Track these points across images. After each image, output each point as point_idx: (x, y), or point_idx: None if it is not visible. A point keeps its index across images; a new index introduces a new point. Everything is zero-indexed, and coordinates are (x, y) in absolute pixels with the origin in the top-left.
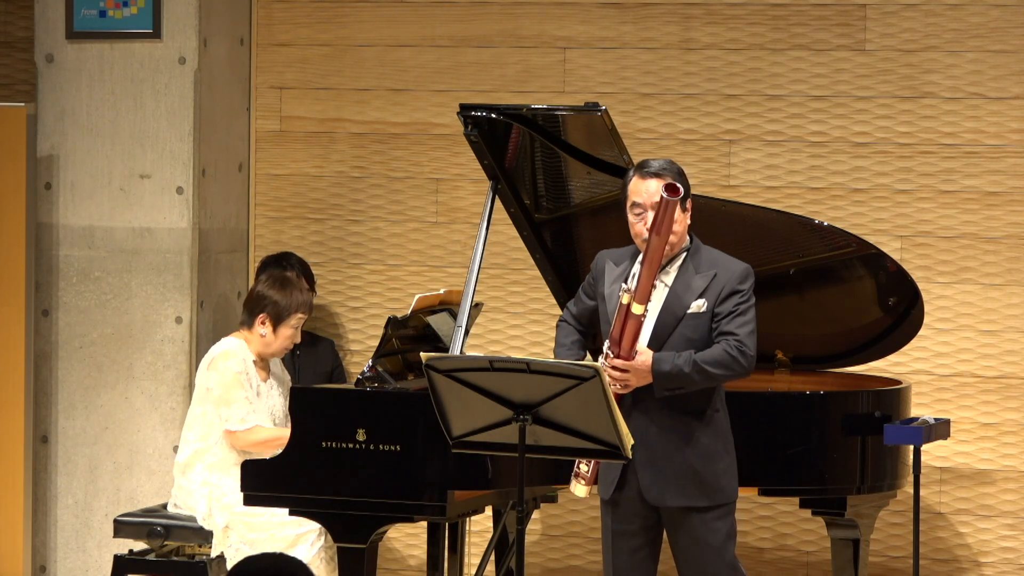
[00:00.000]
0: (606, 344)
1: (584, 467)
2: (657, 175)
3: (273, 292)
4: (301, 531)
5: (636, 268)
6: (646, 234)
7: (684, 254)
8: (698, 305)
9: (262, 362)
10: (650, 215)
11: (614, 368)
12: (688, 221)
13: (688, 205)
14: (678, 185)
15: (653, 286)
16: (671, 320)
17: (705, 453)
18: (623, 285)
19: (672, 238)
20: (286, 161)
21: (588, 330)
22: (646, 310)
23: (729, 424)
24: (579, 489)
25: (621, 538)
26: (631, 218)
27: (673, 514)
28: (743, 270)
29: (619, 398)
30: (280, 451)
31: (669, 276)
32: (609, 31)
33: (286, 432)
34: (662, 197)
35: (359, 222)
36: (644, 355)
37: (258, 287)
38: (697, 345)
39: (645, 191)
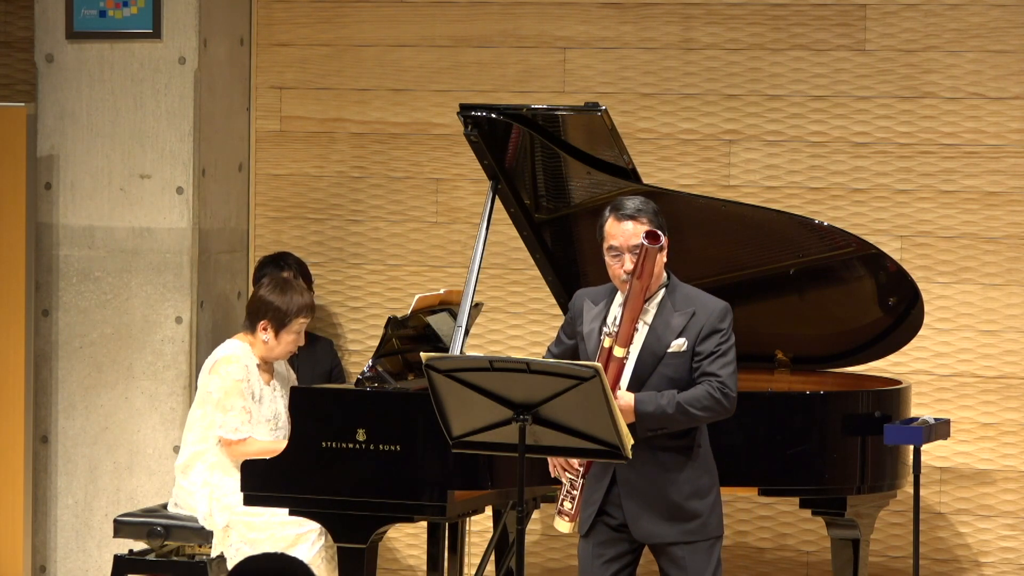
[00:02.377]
0: None
1: (568, 504)
2: (633, 217)
3: (274, 297)
4: (301, 531)
5: (616, 311)
6: (624, 275)
7: (662, 291)
8: (678, 344)
9: (266, 364)
10: (627, 257)
11: None
12: (665, 259)
13: (664, 243)
14: (658, 232)
15: (635, 329)
16: (651, 359)
17: (691, 489)
18: (605, 328)
19: (648, 284)
20: (286, 161)
21: None
22: (627, 352)
23: (713, 458)
24: (563, 525)
25: (600, 559)
26: (608, 260)
27: (662, 549)
28: (722, 308)
29: None
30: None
31: (648, 315)
32: (609, 31)
33: (279, 445)
34: (643, 245)
35: (359, 222)
36: (626, 396)
37: (259, 292)
38: (678, 384)
39: (621, 233)
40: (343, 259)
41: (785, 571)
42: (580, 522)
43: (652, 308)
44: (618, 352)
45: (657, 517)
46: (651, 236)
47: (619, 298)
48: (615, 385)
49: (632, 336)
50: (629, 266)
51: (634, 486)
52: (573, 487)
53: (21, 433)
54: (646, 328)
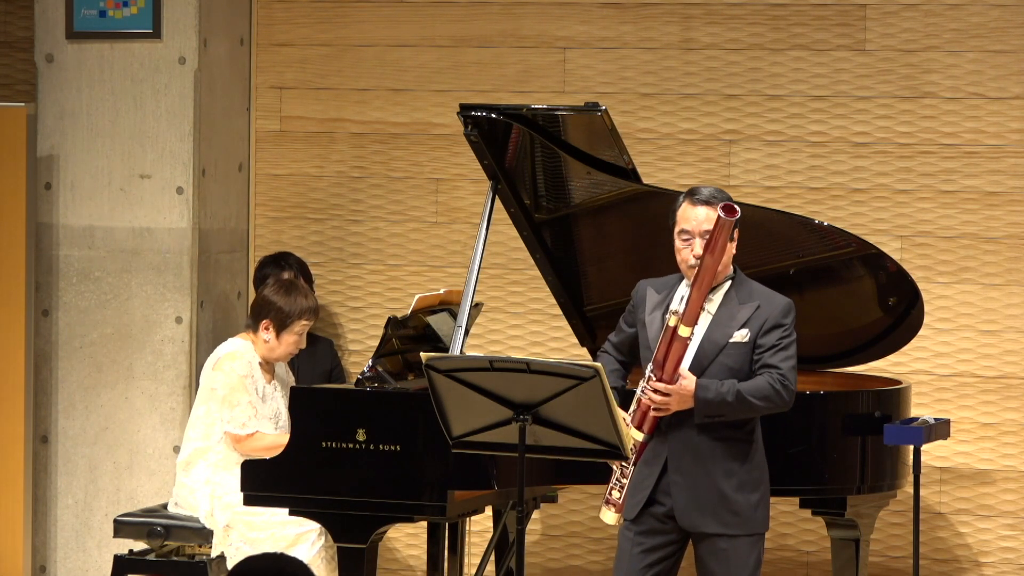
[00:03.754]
0: (648, 367)
1: (616, 493)
2: (707, 203)
3: (278, 298)
4: (302, 531)
5: (684, 291)
6: (692, 260)
7: (728, 283)
8: (741, 335)
9: (267, 364)
10: (697, 242)
11: (656, 391)
12: (734, 251)
13: (735, 235)
14: (735, 207)
15: (701, 308)
16: (713, 348)
17: (741, 482)
18: (672, 307)
19: (719, 265)
20: (286, 161)
21: (629, 359)
22: (692, 333)
23: (764, 455)
24: (609, 516)
25: (640, 547)
26: (678, 244)
27: (704, 539)
28: (786, 304)
29: (656, 420)
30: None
31: (713, 304)
32: (609, 31)
33: (286, 438)
34: (719, 217)
35: (359, 222)
36: (688, 379)
37: (264, 292)
38: (737, 375)
39: (694, 218)
40: (343, 259)
41: (785, 571)
42: (627, 508)
43: (717, 298)
44: (683, 332)
45: (705, 507)
46: (728, 209)
47: (683, 287)
48: (677, 367)
49: (698, 315)
50: (699, 251)
51: (686, 474)
52: (624, 475)
53: (21, 433)
54: (709, 317)
